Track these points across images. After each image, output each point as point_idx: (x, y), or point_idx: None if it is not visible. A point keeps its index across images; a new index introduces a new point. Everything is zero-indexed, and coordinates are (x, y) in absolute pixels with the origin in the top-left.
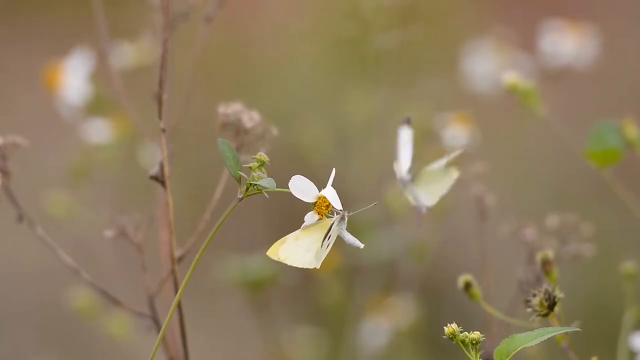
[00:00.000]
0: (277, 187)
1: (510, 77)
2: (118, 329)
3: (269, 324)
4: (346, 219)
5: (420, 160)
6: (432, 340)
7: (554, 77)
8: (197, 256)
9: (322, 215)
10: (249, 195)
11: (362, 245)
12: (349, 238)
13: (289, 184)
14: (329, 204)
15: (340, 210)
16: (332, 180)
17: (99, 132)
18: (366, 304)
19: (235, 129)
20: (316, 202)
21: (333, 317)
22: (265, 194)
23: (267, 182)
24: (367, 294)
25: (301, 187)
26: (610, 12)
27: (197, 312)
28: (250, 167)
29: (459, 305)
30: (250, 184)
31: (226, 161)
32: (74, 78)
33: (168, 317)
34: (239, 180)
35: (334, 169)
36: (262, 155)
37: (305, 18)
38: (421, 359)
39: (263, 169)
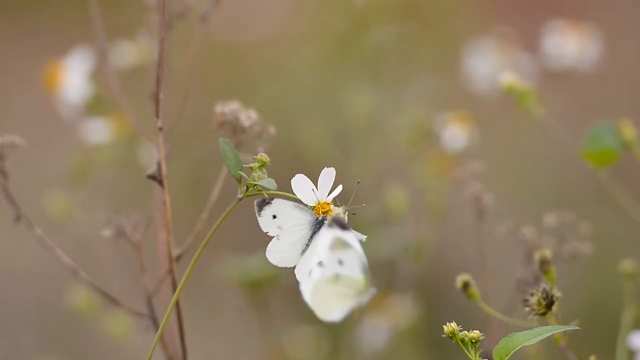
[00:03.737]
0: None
1: (507, 78)
2: (117, 329)
3: (268, 324)
4: (346, 217)
5: (419, 160)
6: (431, 340)
7: (556, 77)
8: (195, 255)
9: None
10: (249, 195)
11: (364, 238)
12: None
13: (292, 182)
14: (327, 211)
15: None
16: (337, 193)
17: (99, 131)
18: (365, 304)
19: (232, 127)
20: (315, 206)
21: None
22: (265, 194)
23: (267, 183)
24: None
25: (303, 187)
26: (611, 12)
27: (197, 312)
28: (250, 168)
29: (458, 305)
30: (252, 184)
31: (227, 161)
32: (74, 77)
33: (166, 315)
34: (239, 180)
35: (340, 186)
36: (264, 156)
37: (304, 17)
38: (421, 359)
39: (264, 170)
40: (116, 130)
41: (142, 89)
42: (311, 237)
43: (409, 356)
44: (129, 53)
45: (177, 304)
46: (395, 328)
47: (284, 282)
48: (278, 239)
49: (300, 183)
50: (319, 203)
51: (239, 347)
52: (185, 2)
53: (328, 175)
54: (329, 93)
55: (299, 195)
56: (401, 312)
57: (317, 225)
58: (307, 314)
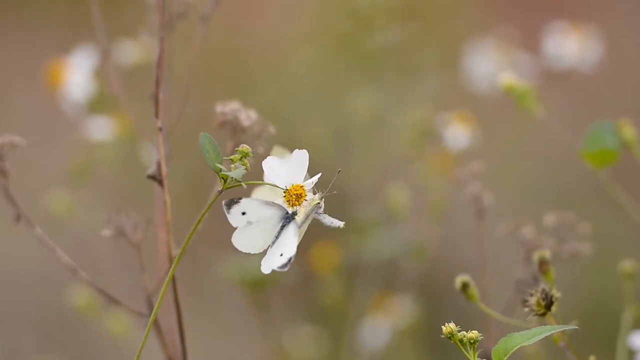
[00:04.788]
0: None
1: (507, 79)
2: (117, 329)
3: (269, 323)
4: (322, 204)
5: (420, 160)
6: (432, 339)
7: (557, 77)
8: (181, 248)
9: (290, 205)
10: (228, 187)
11: (342, 224)
12: (327, 220)
13: (263, 163)
14: (301, 194)
15: (314, 197)
16: (315, 180)
17: (101, 129)
18: (366, 304)
19: (232, 127)
20: (288, 189)
21: (333, 316)
22: (243, 185)
23: (236, 173)
24: (367, 293)
25: (275, 169)
26: (611, 11)
27: (197, 312)
28: (231, 159)
29: (459, 305)
30: (225, 175)
31: (205, 154)
32: (77, 74)
33: (157, 304)
34: (218, 172)
35: (319, 173)
36: (245, 147)
37: (304, 17)
38: (421, 358)
39: (245, 161)
40: (118, 129)
41: (144, 87)
42: (280, 229)
43: (410, 356)
44: (131, 52)
45: (177, 304)
46: (396, 328)
47: (284, 281)
48: (247, 231)
49: (271, 165)
50: (292, 186)
51: (239, 347)
52: (186, 2)
53: (301, 158)
54: (329, 93)
55: (270, 177)
56: (402, 311)
57: (287, 219)
58: (307, 314)
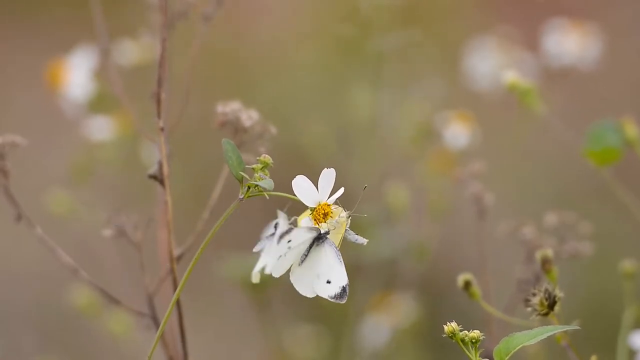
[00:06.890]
0: (276, 188)
1: (510, 76)
2: (118, 329)
3: (270, 323)
4: (349, 222)
5: (420, 159)
6: (432, 339)
7: (557, 76)
8: (196, 255)
9: (317, 223)
10: (250, 196)
11: (365, 242)
12: (352, 236)
13: (293, 183)
14: (327, 212)
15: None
16: (338, 195)
17: (101, 129)
18: (367, 303)
19: (233, 128)
20: (315, 207)
21: (334, 315)
22: (266, 195)
23: (266, 184)
24: (368, 292)
25: (304, 188)
26: (611, 10)
27: (198, 311)
28: (253, 169)
29: (459, 304)
30: (252, 184)
31: (228, 161)
32: (77, 74)
33: (167, 314)
34: (240, 180)
35: (342, 188)
36: (266, 157)
37: (304, 17)
38: (422, 358)
39: (266, 171)
40: (119, 129)
41: (144, 87)
42: (310, 246)
43: (410, 355)
44: (132, 51)
45: (178, 303)
46: (397, 327)
47: (286, 281)
48: (285, 256)
49: (300, 184)
50: (319, 204)
51: (239, 347)
52: (187, 2)
53: (329, 176)
54: (330, 93)
55: (299, 196)
56: (402, 311)
57: (317, 238)
58: (308, 313)
